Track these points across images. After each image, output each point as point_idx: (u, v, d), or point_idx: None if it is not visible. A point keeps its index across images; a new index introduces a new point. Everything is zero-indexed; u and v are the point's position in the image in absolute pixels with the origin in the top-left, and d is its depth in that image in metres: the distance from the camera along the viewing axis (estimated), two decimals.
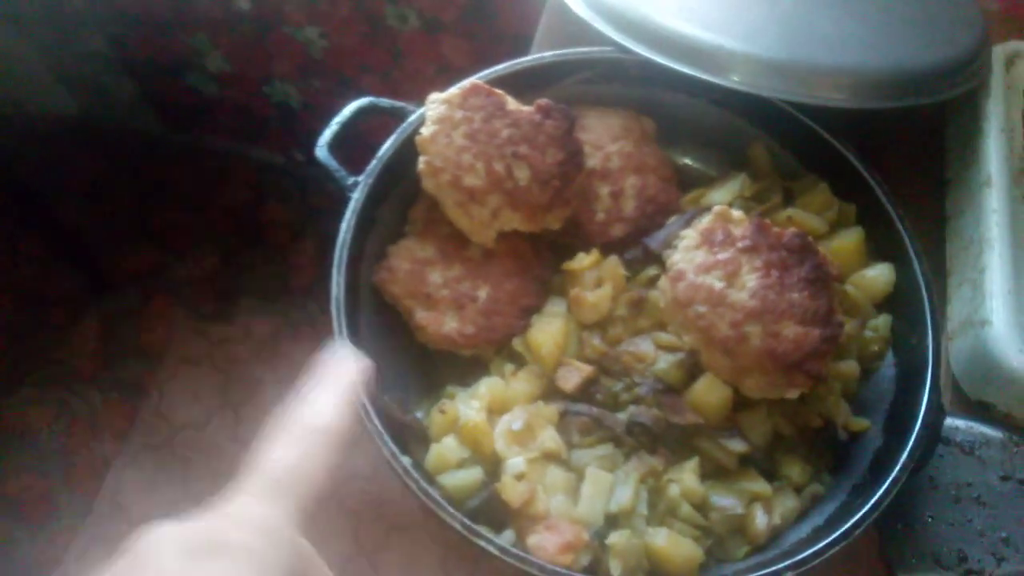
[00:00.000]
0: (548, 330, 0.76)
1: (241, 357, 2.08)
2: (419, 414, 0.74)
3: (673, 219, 0.82)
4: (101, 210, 2.20)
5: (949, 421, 0.80)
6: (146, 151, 2.27)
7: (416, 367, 0.79)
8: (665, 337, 0.75)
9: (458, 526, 0.62)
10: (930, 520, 0.77)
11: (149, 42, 1.92)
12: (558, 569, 0.61)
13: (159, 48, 1.93)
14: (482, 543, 0.61)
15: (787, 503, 0.71)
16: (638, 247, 0.81)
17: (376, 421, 0.65)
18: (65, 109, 2.16)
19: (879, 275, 0.79)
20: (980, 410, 0.82)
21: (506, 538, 0.65)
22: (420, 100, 0.82)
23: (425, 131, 0.78)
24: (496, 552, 0.61)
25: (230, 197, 2.28)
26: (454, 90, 0.79)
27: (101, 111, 2.19)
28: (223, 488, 0.41)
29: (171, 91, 2.09)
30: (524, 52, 0.88)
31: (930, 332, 0.73)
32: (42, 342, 2.06)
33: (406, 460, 0.65)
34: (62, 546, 1.82)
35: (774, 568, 0.62)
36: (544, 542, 0.63)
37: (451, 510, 0.62)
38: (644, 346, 0.76)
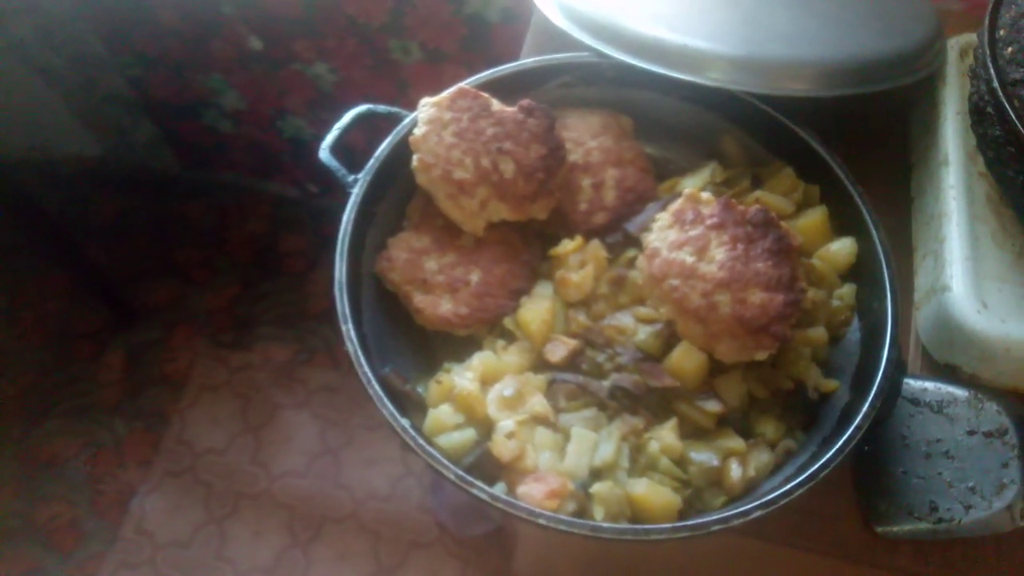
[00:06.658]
0: (536, 309, 0.82)
1: (260, 383, 2.14)
2: (419, 389, 0.80)
3: (650, 205, 0.88)
4: (124, 246, 2.29)
5: (918, 383, 0.84)
6: (165, 188, 2.37)
7: (415, 348, 0.85)
8: (644, 311, 0.81)
9: (452, 477, 0.67)
10: (903, 475, 0.81)
11: (167, 83, 2.02)
12: (544, 513, 0.66)
13: (176, 89, 2.02)
14: (475, 491, 0.66)
15: (761, 457, 0.76)
16: (618, 232, 0.87)
17: (376, 387, 0.71)
18: (88, 151, 2.26)
19: (842, 248, 0.85)
20: (947, 373, 0.86)
21: (498, 490, 0.70)
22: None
23: (417, 131, 0.85)
24: (487, 499, 0.66)
25: (247, 230, 2.36)
26: (443, 94, 0.87)
27: (122, 152, 2.28)
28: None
29: (188, 130, 2.18)
30: None
31: (888, 295, 0.78)
32: (69, 374, 2.13)
33: (405, 421, 0.70)
34: (90, 573, 1.87)
35: (744, 508, 0.67)
36: (532, 491, 0.68)
37: (446, 462, 0.68)
38: (625, 320, 0.81)
